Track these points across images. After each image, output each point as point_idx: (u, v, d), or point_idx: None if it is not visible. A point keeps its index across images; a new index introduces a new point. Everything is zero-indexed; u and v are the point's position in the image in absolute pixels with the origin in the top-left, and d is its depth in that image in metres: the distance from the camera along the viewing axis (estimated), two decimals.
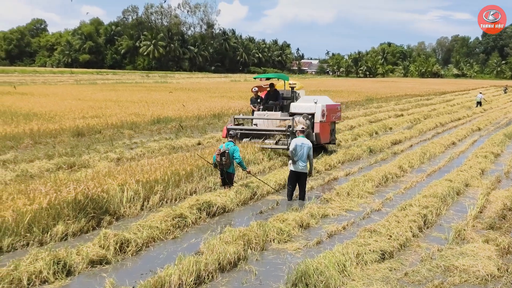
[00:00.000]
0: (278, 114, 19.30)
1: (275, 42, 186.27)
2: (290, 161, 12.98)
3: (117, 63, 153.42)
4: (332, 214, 11.72)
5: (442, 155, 20.57)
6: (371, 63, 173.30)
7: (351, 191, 13.48)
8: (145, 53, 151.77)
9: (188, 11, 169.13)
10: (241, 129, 18.99)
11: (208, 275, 7.97)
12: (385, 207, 12.49)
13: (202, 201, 11.50)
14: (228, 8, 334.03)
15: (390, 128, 28.84)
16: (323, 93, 56.12)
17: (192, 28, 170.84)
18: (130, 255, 8.89)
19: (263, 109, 19.86)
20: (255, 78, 22.28)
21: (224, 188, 13.14)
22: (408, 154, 19.10)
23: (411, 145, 23.02)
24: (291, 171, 12.97)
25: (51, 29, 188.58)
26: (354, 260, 8.55)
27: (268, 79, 22.49)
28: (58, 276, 7.77)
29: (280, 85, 21.47)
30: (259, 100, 20.28)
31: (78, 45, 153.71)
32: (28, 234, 9.29)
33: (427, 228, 10.96)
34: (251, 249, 9.23)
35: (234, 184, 13.45)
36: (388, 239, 9.60)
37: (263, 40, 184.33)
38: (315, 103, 19.07)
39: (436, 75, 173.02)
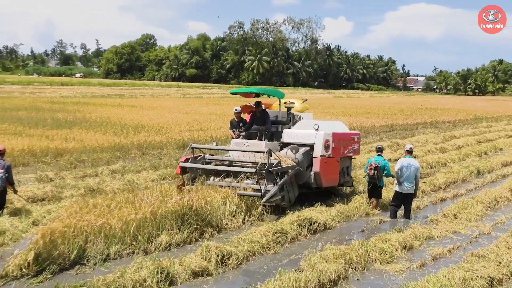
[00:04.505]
0: (261, 144, 13.96)
1: (380, 58, 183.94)
2: (396, 182, 12.71)
3: (222, 78, 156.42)
4: (438, 236, 11.34)
5: None
6: (481, 81, 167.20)
7: (458, 213, 13.00)
8: (250, 68, 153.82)
9: (292, 27, 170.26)
10: (197, 166, 13.59)
11: None
12: (495, 231, 11.93)
13: (303, 218, 11.47)
14: (333, 24, 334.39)
15: (501, 149, 27.58)
16: (429, 111, 55.01)
17: (296, 44, 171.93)
18: (230, 268, 8.95)
19: (245, 136, 14.97)
20: (232, 93, 16.01)
21: (370, 200, 13.57)
22: None
23: None
24: (396, 191, 12.75)
25: (160, 44, 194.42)
26: (460, 286, 8.23)
27: (257, 95, 15.67)
28: (161, 285, 7.94)
29: (276, 106, 16.25)
30: (241, 124, 15.47)
31: (185, 60, 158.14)
32: (134, 243, 9.57)
33: None
34: (352, 268, 9.08)
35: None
36: (497, 265, 9.16)
37: (368, 56, 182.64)
38: (316, 129, 13.89)
39: None
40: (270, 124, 14.89)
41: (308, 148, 13.79)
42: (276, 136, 14.83)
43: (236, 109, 15.66)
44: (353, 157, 15.41)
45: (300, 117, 15.45)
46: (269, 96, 15.98)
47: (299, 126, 14.69)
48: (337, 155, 14.21)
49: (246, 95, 16.20)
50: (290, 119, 15.06)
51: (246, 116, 15.83)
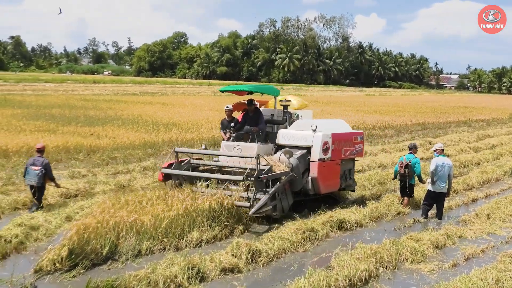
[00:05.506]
0: (254, 147, 12.70)
1: (413, 55, 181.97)
2: (429, 180, 12.57)
3: (252, 76, 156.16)
4: (470, 236, 11.19)
5: None
6: None
7: (491, 213, 12.81)
8: (281, 66, 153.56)
9: (323, 24, 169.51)
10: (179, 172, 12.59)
11: None
12: None
13: (336, 219, 11.47)
14: (365, 21, 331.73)
15: None
16: (462, 109, 54.28)
17: (327, 42, 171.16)
18: (261, 265, 8.97)
19: (235, 138, 13.62)
20: (222, 91, 15.01)
21: (402, 198, 13.54)
22: None
23: None
24: (429, 190, 12.60)
25: (191, 42, 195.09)
26: (493, 287, 8.12)
27: (249, 92, 14.70)
28: (192, 281, 7.98)
29: (271, 103, 15.00)
30: (232, 124, 14.11)
31: (216, 58, 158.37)
32: (165, 239, 9.64)
33: None
34: (383, 267, 9.01)
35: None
36: None
37: (400, 54, 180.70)
38: (314, 130, 12.57)
39: None
40: (264, 124, 13.43)
41: (305, 151, 12.57)
42: (271, 137, 13.48)
43: (227, 107, 14.50)
44: (356, 159, 14.19)
45: (298, 115, 14.12)
46: (262, 94, 14.59)
47: (296, 126, 13.34)
48: (338, 158, 12.99)
49: (238, 93, 15.20)
50: (286, 118, 13.64)
51: (239, 115, 14.47)
